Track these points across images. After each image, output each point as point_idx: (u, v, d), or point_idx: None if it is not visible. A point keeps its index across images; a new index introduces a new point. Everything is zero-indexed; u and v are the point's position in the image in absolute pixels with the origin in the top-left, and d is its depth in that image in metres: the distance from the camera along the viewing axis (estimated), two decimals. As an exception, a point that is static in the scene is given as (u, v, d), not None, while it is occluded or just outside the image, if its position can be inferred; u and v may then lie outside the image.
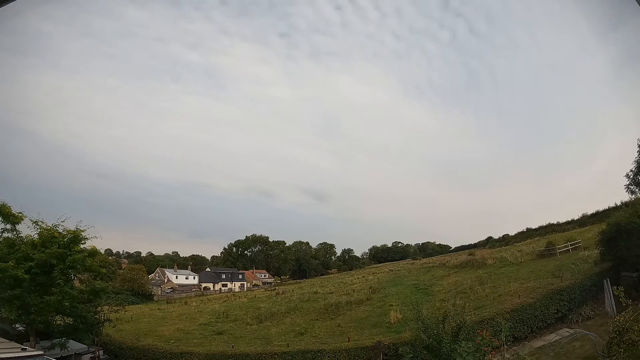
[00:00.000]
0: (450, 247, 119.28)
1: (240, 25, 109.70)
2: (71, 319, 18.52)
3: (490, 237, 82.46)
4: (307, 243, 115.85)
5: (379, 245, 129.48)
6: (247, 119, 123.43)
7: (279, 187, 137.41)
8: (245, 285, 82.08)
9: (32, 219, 17.90)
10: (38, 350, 14.55)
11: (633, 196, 26.98)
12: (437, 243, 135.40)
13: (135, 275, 55.87)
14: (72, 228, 18.32)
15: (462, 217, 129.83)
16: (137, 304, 49.27)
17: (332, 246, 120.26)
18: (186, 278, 78.35)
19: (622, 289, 12.27)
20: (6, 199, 17.66)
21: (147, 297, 56.59)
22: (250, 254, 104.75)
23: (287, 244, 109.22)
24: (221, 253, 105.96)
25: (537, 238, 51.53)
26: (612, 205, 38.27)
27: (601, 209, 45.62)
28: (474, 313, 17.94)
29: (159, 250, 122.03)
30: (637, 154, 26.40)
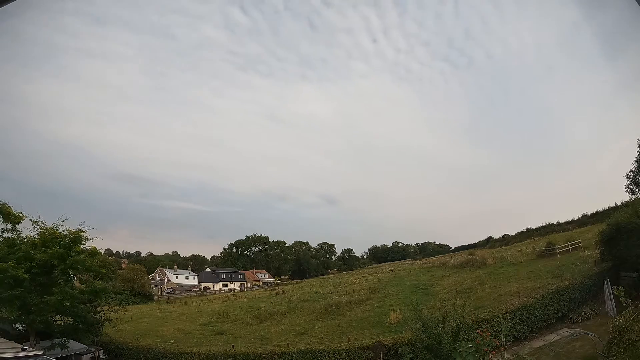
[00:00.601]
0: (450, 247, 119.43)
1: (288, 51, 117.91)
2: (71, 319, 18.52)
3: (490, 237, 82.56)
4: (307, 243, 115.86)
5: (379, 245, 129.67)
6: (281, 130, 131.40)
7: (295, 192, 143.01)
8: (245, 285, 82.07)
9: (33, 219, 17.93)
10: (38, 350, 14.53)
11: (633, 196, 26.95)
12: (437, 243, 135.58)
13: (135, 275, 55.88)
14: (73, 228, 18.35)
15: (464, 217, 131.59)
16: (137, 304, 49.29)
17: (332, 246, 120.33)
18: (186, 278, 78.33)
19: (622, 289, 12.29)
20: (6, 199, 17.69)
21: (147, 297, 56.60)
22: (250, 254, 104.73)
23: (287, 244, 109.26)
24: (221, 253, 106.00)
25: (537, 238, 51.55)
26: (612, 205, 38.35)
27: (601, 209, 45.73)
28: (474, 313, 17.92)
29: (159, 250, 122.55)
30: (637, 154, 26.40)
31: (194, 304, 48.10)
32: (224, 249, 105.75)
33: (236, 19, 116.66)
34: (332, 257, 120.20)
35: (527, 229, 63.83)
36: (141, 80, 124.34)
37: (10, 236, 17.73)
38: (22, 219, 17.82)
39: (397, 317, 23.57)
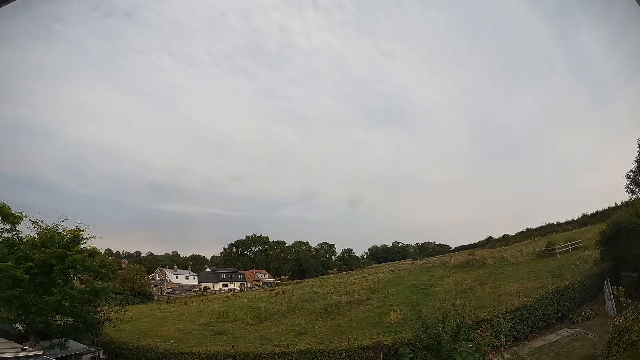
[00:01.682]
0: (450, 247, 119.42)
1: (350, 88, 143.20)
2: (71, 319, 18.50)
3: (490, 237, 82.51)
4: (307, 243, 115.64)
5: (379, 245, 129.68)
6: (320, 148, 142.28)
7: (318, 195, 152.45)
8: (245, 285, 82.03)
9: (32, 218, 17.92)
10: (38, 350, 14.53)
11: (633, 196, 26.96)
12: (437, 243, 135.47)
13: (135, 275, 55.85)
14: (72, 228, 18.33)
15: (464, 217, 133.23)
16: (137, 304, 49.28)
17: (332, 246, 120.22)
18: (186, 278, 78.29)
19: (622, 289, 12.31)
20: (7, 199, 17.69)
21: (147, 297, 56.58)
22: (250, 254, 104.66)
23: (287, 244, 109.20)
24: (221, 253, 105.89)
25: (537, 238, 51.52)
26: (612, 205, 38.34)
27: (601, 209, 45.72)
28: (474, 313, 17.91)
29: (159, 250, 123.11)
30: (637, 154, 26.40)
31: (194, 304, 48.07)
32: (224, 249, 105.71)
33: (315, 65, 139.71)
34: (332, 257, 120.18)
35: (527, 229, 63.85)
36: (201, 105, 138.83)
37: (9, 236, 17.72)
38: (22, 219, 17.82)
39: (397, 317, 23.58)
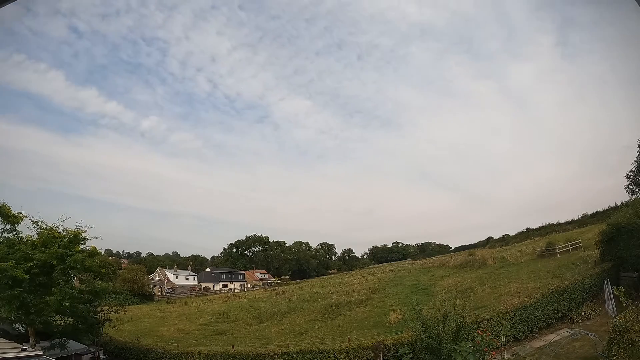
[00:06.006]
0: (450, 248, 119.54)
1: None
2: (71, 319, 18.48)
3: (490, 237, 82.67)
4: (307, 243, 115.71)
5: (379, 245, 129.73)
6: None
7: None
8: (245, 286, 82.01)
9: (32, 219, 17.90)
10: (38, 350, 14.53)
11: (633, 196, 26.98)
12: (437, 243, 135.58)
13: (135, 276, 55.85)
14: (73, 228, 18.31)
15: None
16: (137, 304, 49.31)
17: (332, 246, 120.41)
18: (186, 278, 78.26)
19: (622, 289, 12.28)
20: (8, 200, 17.67)
21: (147, 297, 56.61)
22: (250, 254, 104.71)
23: (287, 244, 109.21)
24: (221, 253, 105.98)
25: (537, 238, 51.57)
26: (612, 205, 38.39)
27: (601, 209, 45.79)
28: (474, 313, 17.91)
29: (159, 250, 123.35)
30: (637, 154, 26.41)
31: (194, 304, 48.09)
32: (224, 249, 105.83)
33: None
34: (332, 258, 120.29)
35: (527, 229, 64.00)
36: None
37: (9, 236, 17.71)
38: (22, 219, 17.79)
39: (397, 317, 23.58)
